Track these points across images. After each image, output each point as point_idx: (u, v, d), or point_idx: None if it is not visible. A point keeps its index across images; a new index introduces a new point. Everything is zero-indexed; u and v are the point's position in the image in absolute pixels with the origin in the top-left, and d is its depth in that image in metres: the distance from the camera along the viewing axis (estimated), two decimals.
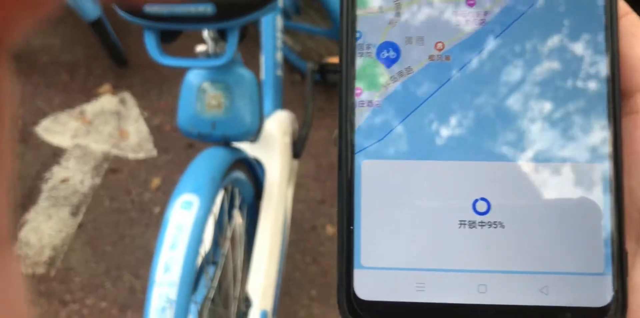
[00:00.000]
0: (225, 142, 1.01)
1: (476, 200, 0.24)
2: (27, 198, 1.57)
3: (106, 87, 1.84)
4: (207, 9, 0.79)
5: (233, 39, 0.86)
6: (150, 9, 0.78)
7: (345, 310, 0.24)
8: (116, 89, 1.85)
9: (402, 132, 0.25)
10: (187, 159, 1.71)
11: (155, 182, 1.64)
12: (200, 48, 0.92)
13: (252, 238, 1.14)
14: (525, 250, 0.24)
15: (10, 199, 0.13)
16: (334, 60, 1.35)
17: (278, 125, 1.22)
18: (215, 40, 0.91)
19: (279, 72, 1.36)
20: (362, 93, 0.25)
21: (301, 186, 1.60)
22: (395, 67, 0.25)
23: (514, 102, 0.24)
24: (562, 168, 0.24)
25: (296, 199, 1.45)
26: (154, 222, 1.55)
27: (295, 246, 1.51)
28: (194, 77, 0.96)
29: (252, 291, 1.04)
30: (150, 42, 0.84)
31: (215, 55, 0.92)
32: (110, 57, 1.83)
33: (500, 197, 0.24)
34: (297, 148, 1.27)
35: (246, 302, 1.04)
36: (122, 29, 1.82)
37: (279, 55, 1.36)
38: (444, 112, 0.25)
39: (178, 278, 0.78)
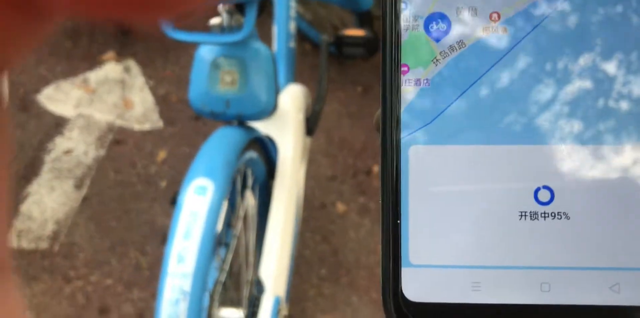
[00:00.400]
0: (239, 121, 0.96)
1: (538, 189, 0.22)
2: (29, 169, 1.53)
3: (110, 54, 1.78)
4: None
5: (252, 13, 0.80)
6: None
7: (392, 313, 0.22)
8: (120, 57, 1.79)
9: (453, 114, 0.22)
10: (194, 132, 1.67)
11: (161, 154, 1.59)
12: (214, 21, 0.86)
13: (264, 220, 1.10)
14: (593, 243, 0.22)
15: (8, 226, 0.12)
16: (353, 32, 1.28)
17: (292, 101, 1.16)
18: (230, 13, 0.85)
19: (292, 44, 1.30)
20: (409, 71, 0.23)
21: (311, 162, 1.55)
22: (446, 41, 0.23)
23: (581, 77, 0.22)
24: (637, 151, 0.22)
25: (306, 175, 1.41)
26: (161, 196, 1.50)
27: (304, 224, 1.47)
28: (207, 52, 0.90)
29: (265, 276, 1.00)
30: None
31: (230, 29, 0.86)
32: (114, 23, 1.75)
33: (564, 185, 0.22)
34: (311, 124, 1.21)
35: (258, 287, 1.00)
36: None
37: (292, 26, 1.30)
38: (501, 91, 0.22)
39: (192, 269, 0.74)
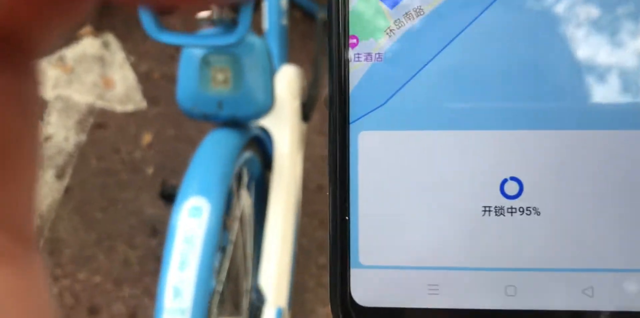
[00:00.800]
0: (234, 122, 0.87)
1: (505, 181, 0.20)
2: None
3: (87, 28, 1.66)
4: None
5: (247, 11, 0.71)
6: None
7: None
8: (98, 31, 1.67)
9: (410, 95, 0.20)
10: (180, 113, 1.58)
11: (147, 138, 1.50)
12: (202, 14, 0.77)
13: (261, 217, 1.02)
14: (565, 242, 0.19)
15: (36, 203, 0.12)
16: None
17: (287, 87, 1.07)
18: (221, 6, 0.75)
19: (285, 21, 1.20)
20: (358, 43, 0.20)
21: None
22: (401, 8, 0.20)
23: (561, 50, 0.19)
24: (618, 136, 0.19)
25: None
26: (147, 185, 1.42)
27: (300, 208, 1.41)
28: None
29: (265, 284, 0.93)
30: (146, 17, 0.69)
31: (222, 23, 0.76)
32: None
33: (535, 177, 0.20)
34: (307, 110, 1.12)
35: (258, 296, 0.93)
36: None
37: (284, 1, 1.19)
38: (464, 67, 0.20)
39: (190, 304, 0.67)
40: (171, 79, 1.62)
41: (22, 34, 0.11)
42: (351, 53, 0.20)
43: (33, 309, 0.11)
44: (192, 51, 0.81)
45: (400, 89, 0.20)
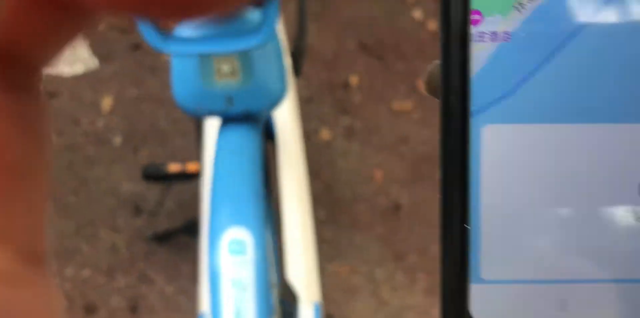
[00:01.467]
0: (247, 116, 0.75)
1: None
2: None
3: None
4: None
5: (273, 10, 0.61)
6: None
7: None
8: None
9: (543, 82, 0.18)
10: (138, 65, 1.41)
11: (107, 101, 1.35)
12: None
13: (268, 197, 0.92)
14: None
15: (47, 215, 0.12)
16: None
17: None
18: None
19: None
20: (483, 20, 0.17)
21: None
22: None
23: None
24: None
25: None
26: (118, 157, 1.29)
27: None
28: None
29: (294, 279, 0.84)
30: (146, 27, 0.58)
31: (235, 19, 0.62)
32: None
33: None
34: (297, 63, 0.99)
35: (287, 291, 0.84)
36: None
37: None
38: (609, 51, 0.17)
39: None
40: (122, 30, 1.44)
41: (22, 51, 0.11)
42: (474, 31, 0.18)
43: None
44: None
45: (532, 75, 0.18)
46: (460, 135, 0.18)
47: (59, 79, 1.36)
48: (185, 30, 0.66)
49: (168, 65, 1.36)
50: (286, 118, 0.93)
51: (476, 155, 0.18)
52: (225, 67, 0.69)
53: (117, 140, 1.31)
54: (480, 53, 0.18)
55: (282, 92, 0.75)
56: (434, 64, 0.19)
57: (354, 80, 1.52)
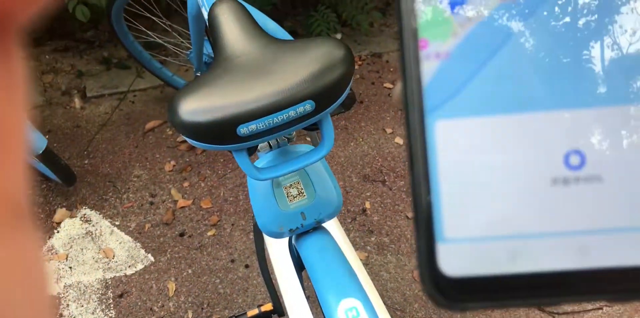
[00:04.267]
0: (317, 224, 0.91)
1: (568, 153, 0.22)
2: None
3: (60, 212, 1.69)
4: (307, 106, 0.70)
5: (328, 125, 0.76)
6: (244, 130, 0.69)
7: (431, 290, 0.21)
8: (72, 210, 1.71)
9: (478, 85, 0.22)
10: (187, 249, 1.61)
11: (171, 286, 1.51)
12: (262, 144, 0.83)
13: None
14: (629, 204, 0.21)
15: (26, 179, 0.12)
16: None
17: None
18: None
19: None
20: (429, 45, 0.22)
21: None
22: (463, 11, 0.22)
23: (609, 36, 0.22)
24: None
25: None
26: None
27: None
28: None
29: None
30: (244, 162, 0.74)
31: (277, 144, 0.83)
32: (62, 181, 1.65)
33: (595, 148, 0.21)
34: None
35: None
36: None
37: None
38: (525, 57, 0.22)
39: None
40: (162, 225, 1.66)
41: (1, 11, 0.11)
42: (422, 54, 0.22)
43: (19, 280, 0.12)
44: (258, 183, 0.85)
45: (468, 81, 0.22)
46: (420, 129, 0.22)
47: (125, 279, 1.54)
48: (264, 162, 0.84)
49: (212, 240, 1.56)
50: (336, 231, 1.09)
51: (432, 143, 0.22)
52: (294, 191, 0.85)
53: (190, 315, 1.46)
54: (429, 68, 0.22)
55: (340, 200, 0.88)
56: (398, 85, 0.23)
57: (367, 205, 1.70)
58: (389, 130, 1.94)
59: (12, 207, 0.12)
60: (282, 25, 1.28)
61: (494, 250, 0.21)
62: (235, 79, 0.73)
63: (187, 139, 0.72)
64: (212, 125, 0.69)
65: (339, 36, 2.36)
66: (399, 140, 1.90)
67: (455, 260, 0.21)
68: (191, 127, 0.70)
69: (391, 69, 2.22)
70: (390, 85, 2.13)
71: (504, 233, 0.21)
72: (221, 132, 0.70)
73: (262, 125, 0.70)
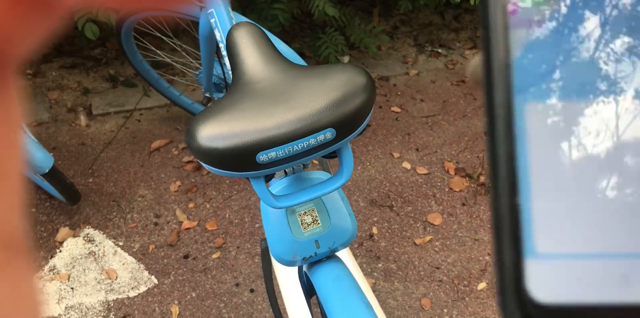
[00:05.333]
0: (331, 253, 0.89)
1: None
2: None
3: (63, 231, 1.67)
4: (328, 134, 0.69)
5: (348, 153, 0.75)
6: (264, 157, 0.68)
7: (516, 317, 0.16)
8: (75, 229, 1.68)
9: (580, 61, 0.17)
10: (191, 272, 1.59)
11: (174, 309, 1.49)
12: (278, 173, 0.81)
13: None
14: None
15: (22, 210, 0.12)
16: None
17: None
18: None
19: None
20: (519, 10, 0.18)
21: None
22: None
23: None
24: None
25: None
26: None
27: None
28: None
29: None
30: (261, 189, 0.73)
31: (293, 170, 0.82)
32: (66, 199, 1.63)
33: None
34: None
35: None
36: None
37: None
38: (633, 31, 0.17)
39: None
40: (166, 246, 1.64)
41: (2, 45, 0.11)
42: (511, 20, 0.18)
43: (12, 312, 0.12)
44: (272, 209, 0.83)
45: (568, 56, 0.18)
46: (505, 115, 0.17)
47: (128, 302, 1.51)
48: (278, 188, 0.82)
49: (217, 263, 1.54)
50: (347, 259, 1.08)
51: (522, 134, 0.17)
52: (308, 219, 0.83)
53: None
54: (518, 40, 0.18)
55: (354, 229, 0.87)
56: (476, 59, 0.19)
57: (375, 230, 1.69)
58: (396, 155, 1.93)
59: (5, 239, 0.12)
60: (290, 47, 1.28)
61: (603, 270, 0.16)
62: (255, 104, 0.72)
63: (204, 165, 0.71)
64: (232, 152, 0.68)
65: (346, 59, 2.37)
66: (407, 165, 1.89)
67: (550, 282, 0.17)
68: (210, 153, 0.69)
69: (398, 93, 2.22)
70: (398, 109, 2.13)
71: (615, 249, 0.16)
72: (240, 159, 0.69)
73: (282, 153, 0.69)
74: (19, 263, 0.12)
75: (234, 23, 1.15)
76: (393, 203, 1.76)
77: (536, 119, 0.17)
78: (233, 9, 1.21)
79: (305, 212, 0.83)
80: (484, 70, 0.18)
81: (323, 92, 0.71)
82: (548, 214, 0.17)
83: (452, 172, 1.87)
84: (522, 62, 0.18)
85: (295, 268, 1.05)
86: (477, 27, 2.60)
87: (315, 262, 0.89)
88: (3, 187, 0.12)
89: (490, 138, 0.18)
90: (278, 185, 0.87)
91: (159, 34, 1.86)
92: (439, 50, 2.47)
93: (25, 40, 0.11)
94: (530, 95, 0.18)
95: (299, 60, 1.14)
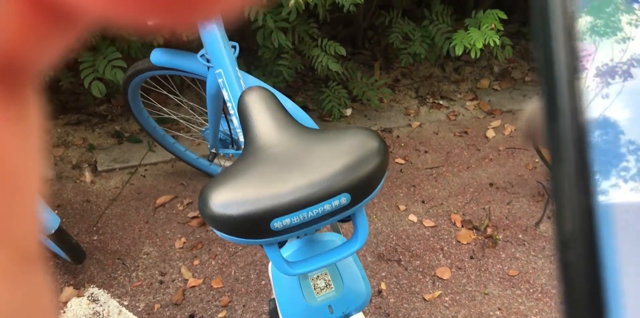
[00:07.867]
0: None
1: None
2: None
3: (67, 291, 1.65)
4: (343, 199, 0.68)
5: (363, 218, 0.75)
6: (278, 224, 0.67)
7: None
8: (79, 289, 1.66)
9: None
10: None
11: None
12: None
13: None
14: None
15: (38, 222, 0.12)
16: None
17: None
18: None
19: None
20: (596, 52, 0.14)
21: None
22: None
23: None
24: None
25: None
26: None
27: None
28: None
29: None
30: (275, 256, 0.72)
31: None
32: (71, 259, 1.61)
33: None
34: None
35: None
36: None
37: None
38: None
39: None
40: (171, 305, 1.61)
41: (20, 59, 0.11)
42: (583, 67, 0.15)
43: None
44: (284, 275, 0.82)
45: None
46: (584, 212, 0.14)
47: None
48: (290, 251, 0.81)
49: None
50: None
51: (608, 236, 0.15)
52: (321, 283, 0.81)
53: None
54: (590, 88, 0.15)
55: (368, 292, 0.86)
56: (531, 109, 0.17)
57: (383, 286, 1.66)
58: (402, 207, 1.92)
59: (23, 252, 0.12)
60: (293, 101, 1.29)
61: None
62: (268, 170, 0.72)
63: (216, 232, 0.70)
64: (245, 219, 0.68)
65: (349, 111, 2.39)
66: (413, 218, 1.88)
67: None
68: (223, 221, 0.68)
69: (402, 144, 2.23)
70: (402, 161, 2.14)
71: None
72: (254, 226, 0.68)
73: (297, 219, 0.69)
74: (35, 275, 0.13)
75: (241, 82, 1.16)
76: (401, 257, 1.75)
77: (621, 218, 0.15)
78: (238, 66, 1.23)
79: (318, 276, 0.82)
80: (552, 159, 0.15)
81: (336, 156, 0.72)
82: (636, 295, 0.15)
83: (458, 225, 1.85)
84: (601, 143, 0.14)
85: None
86: (477, 78, 2.64)
87: None
88: (21, 202, 0.12)
89: (560, 251, 0.15)
90: (290, 247, 0.86)
91: (164, 91, 1.88)
92: (441, 102, 2.50)
93: (42, 55, 0.12)
94: (611, 183, 0.15)
95: (308, 120, 1.15)
